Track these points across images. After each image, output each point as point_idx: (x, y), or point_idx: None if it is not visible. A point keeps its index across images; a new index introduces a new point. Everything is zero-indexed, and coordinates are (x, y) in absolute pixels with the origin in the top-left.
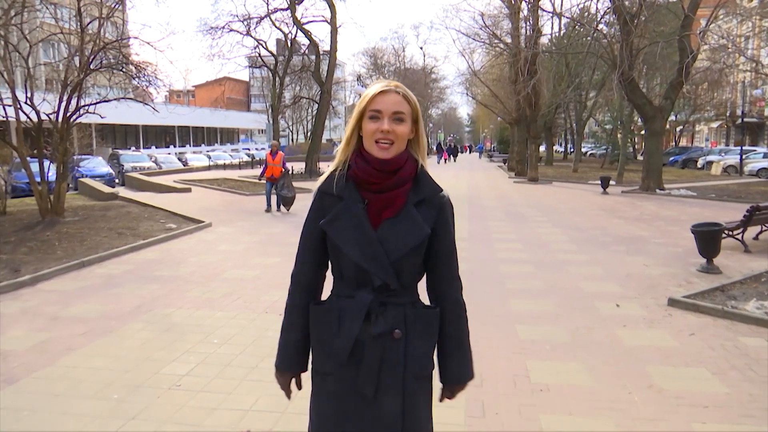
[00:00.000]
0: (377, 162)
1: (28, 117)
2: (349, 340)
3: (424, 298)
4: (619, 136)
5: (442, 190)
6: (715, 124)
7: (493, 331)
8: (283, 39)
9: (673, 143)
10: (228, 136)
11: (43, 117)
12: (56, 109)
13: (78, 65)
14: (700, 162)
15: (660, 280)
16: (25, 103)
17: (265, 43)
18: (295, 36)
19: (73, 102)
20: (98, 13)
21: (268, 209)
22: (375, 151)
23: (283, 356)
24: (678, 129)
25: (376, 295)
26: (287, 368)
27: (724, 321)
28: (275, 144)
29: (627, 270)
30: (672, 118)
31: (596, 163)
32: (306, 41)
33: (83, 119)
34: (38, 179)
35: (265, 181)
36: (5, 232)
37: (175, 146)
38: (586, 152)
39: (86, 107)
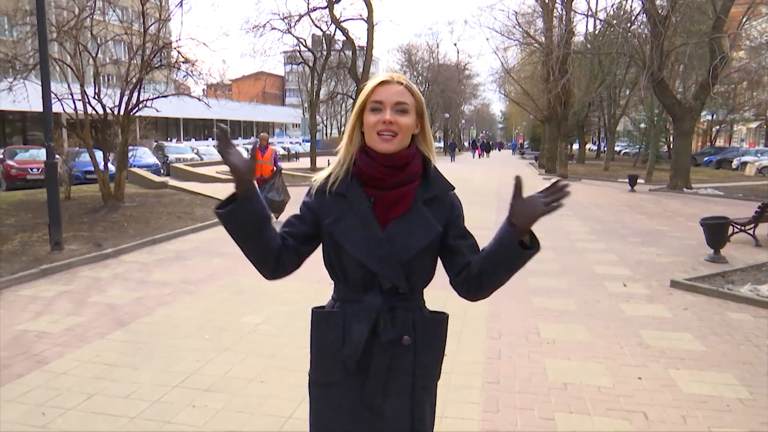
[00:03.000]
0: (383, 157)
1: (95, 110)
2: (357, 348)
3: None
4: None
5: (453, 188)
6: (754, 125)
7: (511, 300)
8: (319, 35)
9: (709, 143)
10: (264, 130)
11: (108, 110)
12: (117, 103)
13: (139, 63)
14: (735, 163)
15: (668, 267)
16: (93, 97)
17: (305, 40)
18: (334, 34)
19: (134, 97)
20: (159, 15)
21: None
22: (377, 144)
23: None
24: (715, 129)
25: (384, 299)
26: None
27: (718, 300)
28: (264, 137)
29: (639, 258)
30: (708, 117)
31: (629, 162)
32: (341, 37)
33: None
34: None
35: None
36: (77, 214)
37: (213, 139)
38: (620, 151)
39: (145, 102)
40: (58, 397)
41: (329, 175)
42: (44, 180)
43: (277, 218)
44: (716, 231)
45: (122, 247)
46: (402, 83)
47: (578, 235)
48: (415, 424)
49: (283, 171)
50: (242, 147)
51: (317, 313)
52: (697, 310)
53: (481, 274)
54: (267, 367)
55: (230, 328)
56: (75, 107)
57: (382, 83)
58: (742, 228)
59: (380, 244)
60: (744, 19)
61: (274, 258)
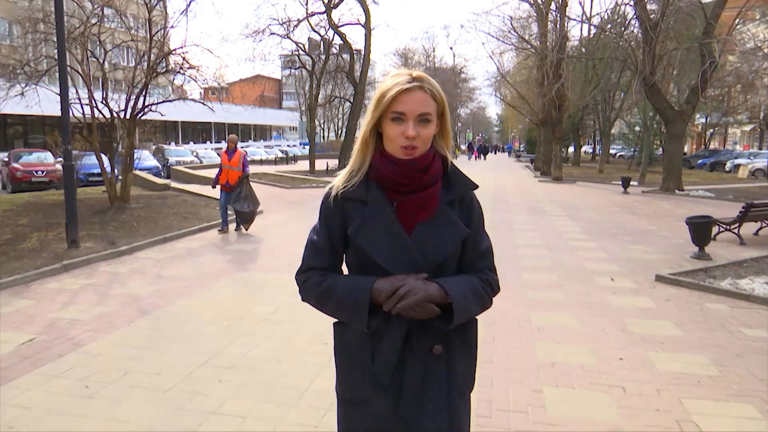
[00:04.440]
0: (405, 162)
1: (102, 114)
2: (390, 362)
3: None
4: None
5: (476, 187)
6: (748, 127)
7: (505, 293)
8: (316, 38)
9: (704, 146)
10: (261, 132)
11: (114, 114)
12: (123, 107)
13: (145, 68)
14: (728, 165)
15: (655, 263)
16: (101, 102)
17: (304, 45)
18: (332, 39)
19: (140, 101)
20: (164, 23)
21: (224, 229)
22: (399, 155)
23: (354, 307)
24: (709, 132)
25: None
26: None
27: (699, 292)
28: (233, 139)
29: (628, 255)
30: (702, 120)
31: (624, 165)
32: (339, 42)
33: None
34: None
35: (219, 190)
36: (86, 215)
37: (211, 142)
38: (615, 154)
39: (150, 106)
40: (97, 373)
41: (345, 181)
42: (50, 182)
43: (246, 229)
44: (701, 229)
45: (136, 245)
46: (425, 89)
47: (571, 234)
48: None
49: (250, 176)
50: (240, 150)
51: (341, 330)
52: (679, 302)
53: None
54: (282, 349)
55: (245, 316)
56: (83, 111)
57: (405, 91)
58: (728, 227)
59: (407, 250)
60: (736, 23)
61: None
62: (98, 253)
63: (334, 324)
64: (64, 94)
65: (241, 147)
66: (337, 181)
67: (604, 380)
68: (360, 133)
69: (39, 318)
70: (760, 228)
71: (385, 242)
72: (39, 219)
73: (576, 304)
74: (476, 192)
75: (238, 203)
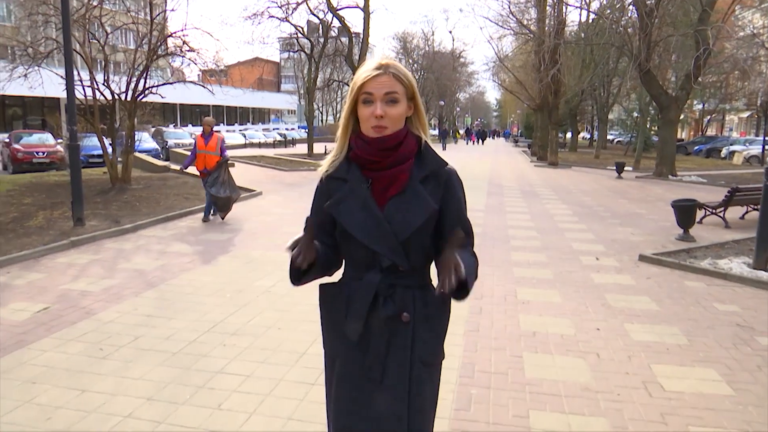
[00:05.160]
0: (376, 141)
1: (104, 96)
2: (358, 322)
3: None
4: (639, 123)
5: (446, 164)
6: (745, 114)
7: (494, 270)
8: (315, 21)
9: (701, 133)
10: (260, 116)
11: (115, 96)
12: (124, 89)
13: (146, 51)
14: (724, 152)
15: (640, 245)
16: (102, 84)
17: (302, 29)
18: (331, 22)
19: (141, 83)
20: (165, 5)
21: (207, 218)
22: (371, 135)
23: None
24: (706, 118)
25: (384, 277)
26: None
27: (679, 271)
28: (209, 122)
29: (615, 236)
30: (700, 107)
31: (621, 151)
32: (338, 25)
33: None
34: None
35: (200, 177)
36: (89, 195)
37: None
38: (613, 140)
39: (151, 88)
40: (110, 338)
41: (330, 162)
42: (51, 163)
43: (222, 218)
44: (685, 212)
45: (139, 224)
46: (391, 73)
47: (562, 217)
48: (412, 398)
49: (230, 161)
50: (239, 133)
51: (325, 287)
52: (659, 280)
53: None
54: (282, 318)
55: (246, 289)
56: (84, 93)
57: (372, 76)
58: (713, 211)
59: (378, 222)
60: (732, 9)
61: (333, 270)
62: (103, 231)
63: (320, 285)
64: (69, 76)
65: (240, 130)
66: (324, 164)
67: (581, 347)
68: (341, 121)
69: (51, 289)
70: (747, 212)
71: (358, 216)
72: (43, 198)
73: (561, 281)
74: (473, 176)
75: (214, 188)
